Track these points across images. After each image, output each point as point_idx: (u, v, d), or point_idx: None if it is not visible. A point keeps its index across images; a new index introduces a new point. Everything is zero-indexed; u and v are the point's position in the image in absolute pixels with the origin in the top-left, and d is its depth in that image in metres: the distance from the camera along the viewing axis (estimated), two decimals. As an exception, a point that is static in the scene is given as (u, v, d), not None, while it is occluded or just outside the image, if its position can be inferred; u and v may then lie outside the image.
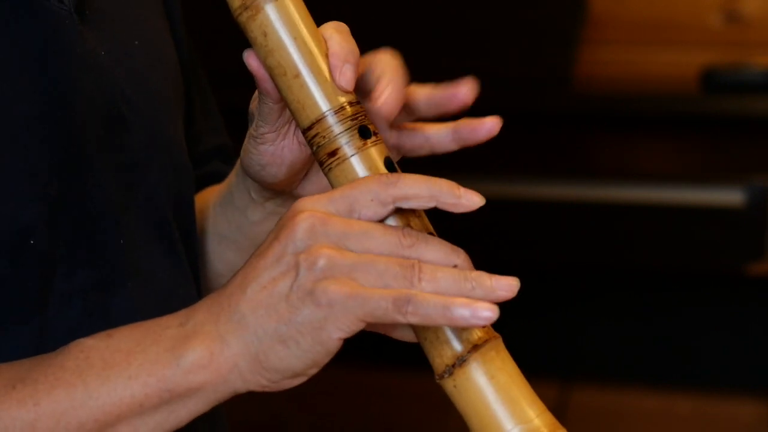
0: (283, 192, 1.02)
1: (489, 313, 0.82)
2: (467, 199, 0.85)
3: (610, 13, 2.63)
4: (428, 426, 2.87)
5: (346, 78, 0.88)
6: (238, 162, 1.04)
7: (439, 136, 0.96)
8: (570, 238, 2.39)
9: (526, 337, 2.73)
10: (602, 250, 2.38)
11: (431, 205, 0.85)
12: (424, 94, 0.95)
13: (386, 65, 0.91)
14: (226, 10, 0.90)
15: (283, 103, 0.93)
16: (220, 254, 1.11)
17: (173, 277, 1.02)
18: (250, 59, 0.90)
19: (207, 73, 1.22)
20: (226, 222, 1.09)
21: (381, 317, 0.82)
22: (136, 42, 1.01)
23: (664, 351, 2.75)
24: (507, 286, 0.85)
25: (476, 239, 2.33)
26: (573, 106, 2.44)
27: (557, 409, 2.73)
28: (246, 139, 0.98)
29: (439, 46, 2.56)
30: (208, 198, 1.12)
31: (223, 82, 1.23)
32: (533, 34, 2.53)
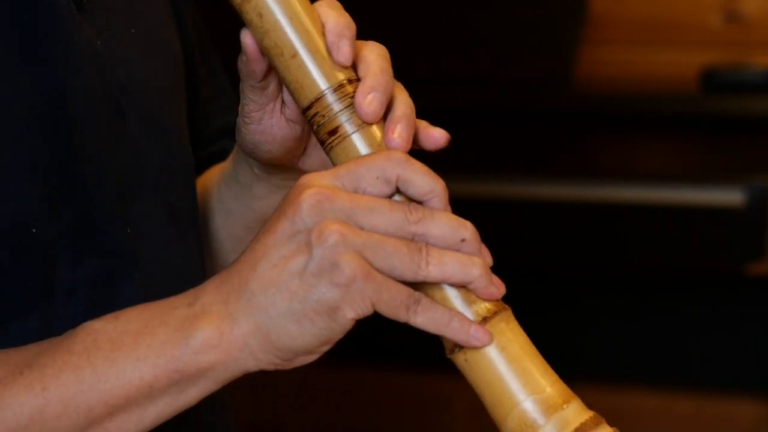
0: (285, 166, 1.02)
1: (483, 340, 0.84)
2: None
3: (610, 13, 2.63)
4: (428, 426, 2.87)
5: (344, 53, 0.87)
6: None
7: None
8: (570, 238, 2.39)
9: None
10: (602, 250, 2.38)
11: (428, 198, 0.85)
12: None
13: (373, 62, 0.89)
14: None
15: (266, 82, 0.93)
16: (227, 231, 1.11)
17: (185, 265, 1.02)
18: (246, 37, 0.89)
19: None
20: (232, 198, 1.09)
21: (390, 310, 0.82)
22: (134, 30, 1.00)
23: (664, 351, 2.74)
24: (501, 286, 0.86)
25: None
26: (573, 106, 2.44)
27: (557, 409, 2.73)
28: (237, 118, 0.98)
29: (439, 46, 2.56)
30: (213, 176, 1.12)
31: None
32: (533, 34, 2.53)
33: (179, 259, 1.01)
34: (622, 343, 2.78)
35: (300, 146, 1.00)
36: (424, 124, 0.90)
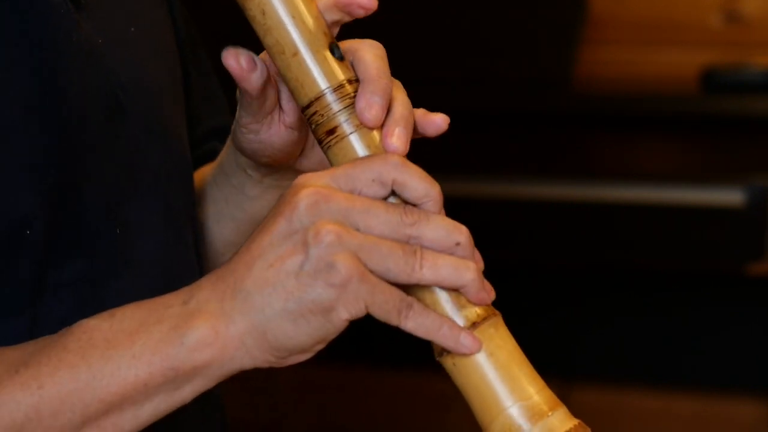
0: (279, 168, 1.02)
1: (471, 347, 0.84)
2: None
3: (610, 13, 2.63)
4: (428, 426, 2.87)
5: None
6: (229, 140, 1.04)
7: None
8: (570, 238, 2.39)
9: (526, 337, 2.72)
10: (602, 250, 2.38)
11: (423, 202, 0.85)
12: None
13: (371, 64, 0.89)
14: None
15: (263, 97, 0.93)
16: (219, 233, 1.11)
17: (180, 265, 1.02)
18: (228, 59, 0.90)
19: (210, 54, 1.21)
20: (223, 200, 1.09)
21: (382, 313, 0.83)
22: (132, 29, 1.01)
23: (664, 351, 2.74)
24: (492, 291, 0.87)
25: (476, 239, 2.32)
26: (573, 106, 2.44)
27: (557, 409, 2.73)
28: (234, 124, 0.98)
29: (439, 46, 2.56)
30: (204, 177, 1.12)
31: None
32: (533, 34, 2.53)
33: (174, 260, 1.01)
34: (622, 343, 2.78)
35: (298, 148, 1.00)
36: (422, 112, 0.90)
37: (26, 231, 0.88)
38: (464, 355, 0.85)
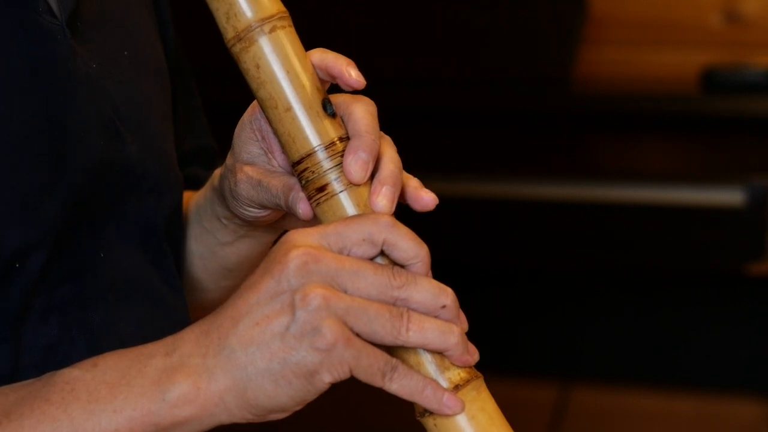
0: (258, 224, 1.02)
1: (454, 408, 0.85)
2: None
3: (610, 13, 2.63)
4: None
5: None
6: (209, 183, 1.04)
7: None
8: (570, 238, 2.39)
9: (526, 337, 2.73)
10: (602, 250, 2.38)
11: (412, 263, 0.86)
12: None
13: (360, 121, 0.89)
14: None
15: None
16: (196, 266, 1.12)
17: (162, 287, 1.02)
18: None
19: (195, 70, 1.21)
20: (194, 238, 1.09)
21: (367, 376, 0.84)
22: (126, 53, 1.01)
23: (664, 351, 2.74)
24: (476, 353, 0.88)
25: (477, 239, 2.32)
26: (573, 106, 2.44)
27: (557, 409, 2.73)
28: (222, 177, 0.98)
29: (439, 47, 2.56)
30: (185, 206, 1.12)
31: (209, 79, 1.22)
32: (533, 34, 2.53)
33: (156, 283, 1.01)
34: (622, 343, 2.78)
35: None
36: (414, 185, 0.91)
37: (23, 262, 0.89)
38: (446, 416, 0.86)
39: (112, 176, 0.96)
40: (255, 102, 0.93)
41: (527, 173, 2.39)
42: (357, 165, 0.87)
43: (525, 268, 2.67)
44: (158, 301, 0.98)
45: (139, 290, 0.99)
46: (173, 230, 1.05)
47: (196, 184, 1.14)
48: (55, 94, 0.91)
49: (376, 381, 0.84)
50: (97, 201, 0.94)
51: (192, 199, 1.10)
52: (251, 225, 1.03)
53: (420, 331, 0.84)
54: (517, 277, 2.69)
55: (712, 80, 2.42)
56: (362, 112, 0.90)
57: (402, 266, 0.86)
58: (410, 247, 0.86)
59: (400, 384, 0.85)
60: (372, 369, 0.83)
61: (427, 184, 0.92)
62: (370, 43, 2.31)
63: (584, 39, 2.56)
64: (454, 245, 2.27)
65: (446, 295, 0.86)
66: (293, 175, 0.91)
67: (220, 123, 1.22)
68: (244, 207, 0.98)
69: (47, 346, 0.89)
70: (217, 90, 1.41)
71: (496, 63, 2.52)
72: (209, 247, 1.08)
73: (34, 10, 0.91)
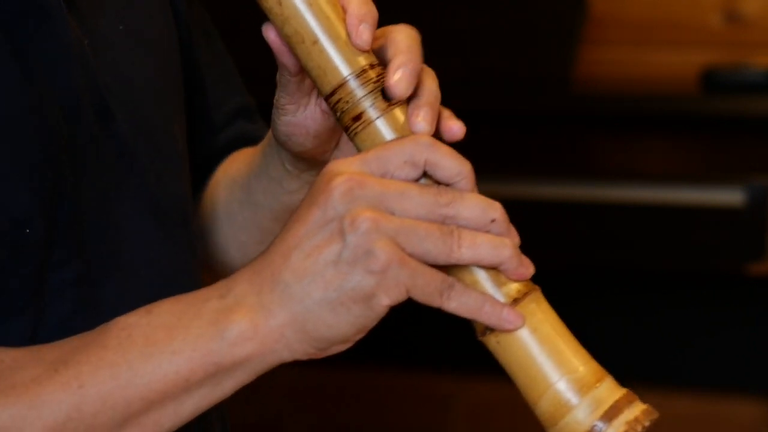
0: (317, 162, 1.01)
1: (515, 323, 0.84)
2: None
3: (610, 13, 2.63)
4: (428, 426, 2.87)
5: (363, 38, 0.87)
6: (269, 133, 1.03)
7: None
8: (570, 238, 2.39)
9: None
10: (602, 250, 2.38)
11: (456, 180, 0.85)
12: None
13: (402, 42, 0.89)
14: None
15: (302, 75, 0.92)
16: (255, 223, 1.10)
17: (172, 264, 1.01)
18: (268, 32, 0.89)
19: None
20: (261, 192, 1.08)
21: (424, 296, 0.82)
22: (121, 27, 1.00)
23: (664, 351, 2.74)
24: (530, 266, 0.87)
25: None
26: (573, 106, 2.44)
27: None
28: (273, 110, 0.98)
29: (439, 46, 2.56)
30: (239, 165, 1.11)
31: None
32: (533, 34, 2.53)
33: (165, 259, 1.00)
34: (622, 343, 2.77)
35: (333, 139, 0.99)
36: (447, 114, 0.90)
37: (26, 230, 0.88)
38: (508, 331, 0.85)
39: (106, 152, 0.95)
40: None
41: (527, 173, 2.39)
42: (401, 79, 0.86)
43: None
44: (170, 280, 0.98)
45: (149, 270, 0.98)
46: (179, 209, 1.04)
47: (246, 140, 1.13)
48: (51, 68, 0.90)
49: (434, 300, 0.82)
50: (98, 177, 0.94)
51: (254, 154, 1.09)
52: (311, 166, 1.02)
53: (472, 247, 0.83)
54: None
55: (712, 80, 2.41)
56: (404, 36, 0.89)
57: (447, 185, 0.85)
58: (453, 164, 0.85)
59: (459, 302, 0.83)
60: (429, 288, 0.82)
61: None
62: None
63: (584, 39, 2.56)
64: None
65: (495, 209, 0.85)
66: (329, 108, 0.89)
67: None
68: (287, 135, 0.97)
69: (61, 323, 0.88)
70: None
71: (496, 63, 2.52)
72: (277, 197, 1.07)
73: None
